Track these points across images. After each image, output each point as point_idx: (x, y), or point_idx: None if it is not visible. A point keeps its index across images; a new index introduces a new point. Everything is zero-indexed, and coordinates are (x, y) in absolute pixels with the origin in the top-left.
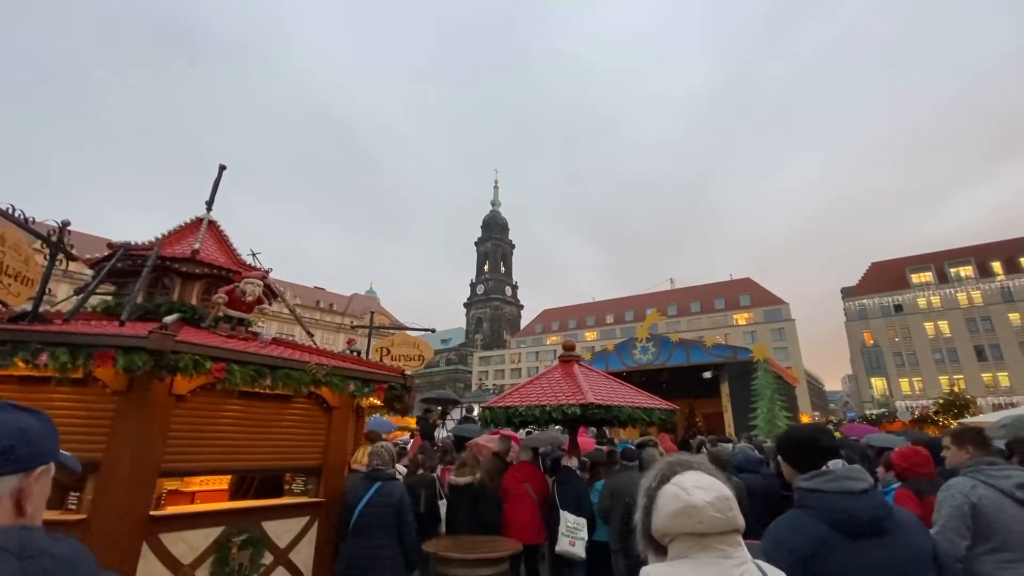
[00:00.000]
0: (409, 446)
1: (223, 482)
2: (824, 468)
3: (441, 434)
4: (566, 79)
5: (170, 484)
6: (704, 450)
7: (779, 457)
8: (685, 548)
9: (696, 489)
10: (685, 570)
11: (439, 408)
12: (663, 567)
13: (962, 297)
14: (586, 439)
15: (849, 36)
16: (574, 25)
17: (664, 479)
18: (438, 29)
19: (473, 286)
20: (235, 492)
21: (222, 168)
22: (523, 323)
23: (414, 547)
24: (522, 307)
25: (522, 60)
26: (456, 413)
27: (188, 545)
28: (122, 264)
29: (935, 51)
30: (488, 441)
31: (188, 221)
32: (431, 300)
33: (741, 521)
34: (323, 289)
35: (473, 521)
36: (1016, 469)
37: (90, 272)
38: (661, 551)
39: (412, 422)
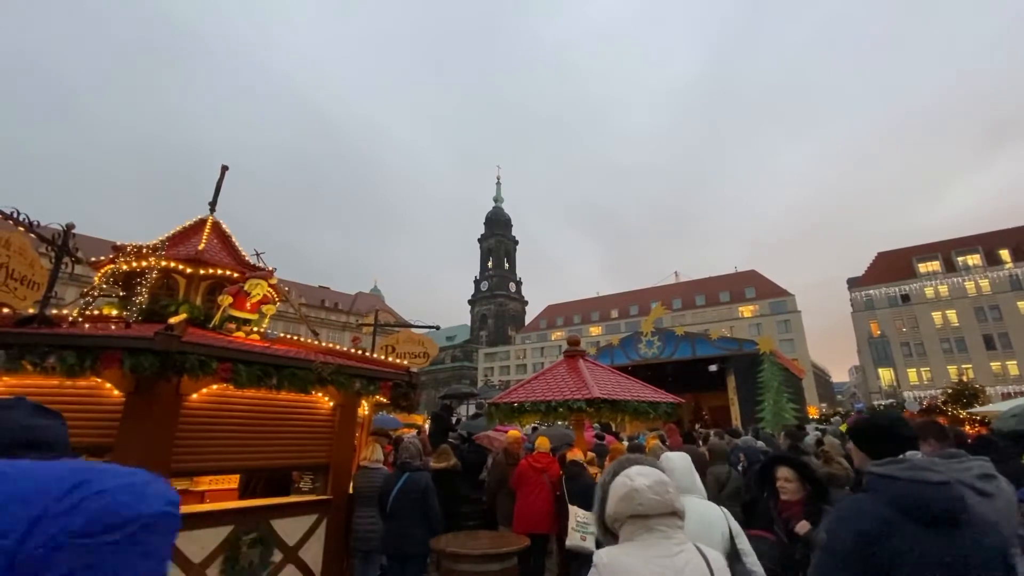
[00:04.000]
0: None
1: (232, 481)
2: (901, 456)
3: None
4: (559, 73)
5: (180, 484)
6: (707, 442)
7: (851, 443)
8: (632, 531)
9: (638, 476)
10: (632, 550)
11: (449, 402)
12: (614, 548)
13: (970, 286)
14: (589, 435)
15: (840, 23)
16: (564, 19)
17: (615, 473)
18: (431, 26)
19: (477, 283)
20: (244, 491)
21: (224, 168)
22: (527, 319)
23: (439, 525)
24: (526, 303)
25: (515, 57)
26: (463, 410)
27: (199, 544)
28: (127, 266)
29: (931, 35)
30: (498, 434)
31: (192, 222)
32: (435, 297)
33: (680, 504)
34: (328, 288)
35: (453, 495)
36: (976, 460)
37: (96, 275)
38: (612, 537)
39: (419, 419)
